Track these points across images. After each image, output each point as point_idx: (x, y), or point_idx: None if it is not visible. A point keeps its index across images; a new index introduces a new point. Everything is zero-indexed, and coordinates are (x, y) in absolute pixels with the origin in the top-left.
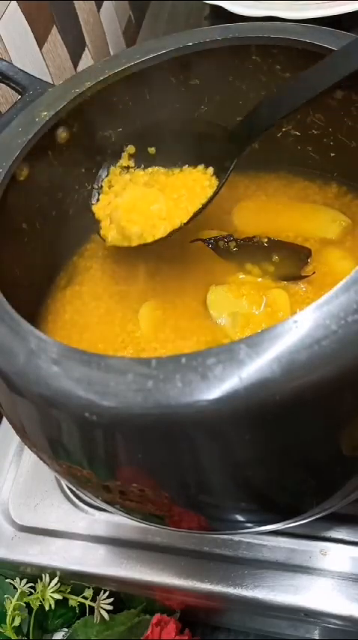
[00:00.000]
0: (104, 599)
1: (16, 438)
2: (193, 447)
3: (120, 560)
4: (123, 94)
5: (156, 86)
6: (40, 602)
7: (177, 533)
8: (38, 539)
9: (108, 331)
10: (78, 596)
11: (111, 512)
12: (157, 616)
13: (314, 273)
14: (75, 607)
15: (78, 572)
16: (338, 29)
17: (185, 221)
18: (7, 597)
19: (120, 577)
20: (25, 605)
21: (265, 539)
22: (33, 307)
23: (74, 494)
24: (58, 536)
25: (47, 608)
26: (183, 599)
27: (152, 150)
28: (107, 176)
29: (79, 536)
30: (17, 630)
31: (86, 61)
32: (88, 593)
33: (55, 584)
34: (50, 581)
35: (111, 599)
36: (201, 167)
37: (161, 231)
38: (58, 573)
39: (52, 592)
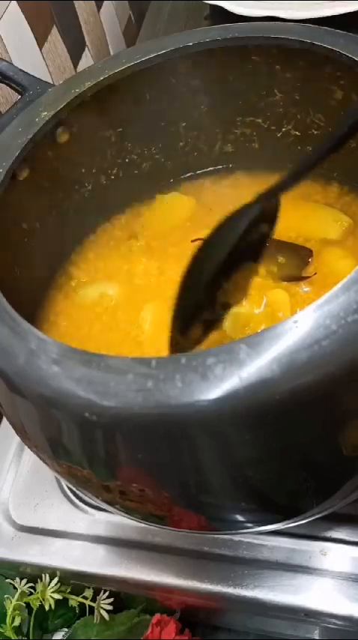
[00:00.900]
0: (104, 599)
1: (16, 438)
2: (193, 447)
3: (120, 560)
4: (123, 94)
5: (156, 86)
6: (40, 602)
7: (177, 533)
8: (38, 539)
9: (108, 331)
10: (78, 596)
11: (111, 512)
12: (157, 616)
13: (315, 274)
14: (75, 607)
15: (78, 572)
16: (338, 29)
17: None
18: (7, 597)
19: (120, 577)
20: (25, 605)
21: (265, 539)
22: (33, 307)
23: (74, 494)
24: (58, 536)
25: (47, 608)
26: (183, 599)
27: None
28: None
29: (79, 536)
30: (17, 630)
31: (86, 61)
32: (88, 593)
33: (55, 584)
34: (50, 581)
35: (111, 599)
36: None
37: None
38: (58, 573)
39: (52, 592)
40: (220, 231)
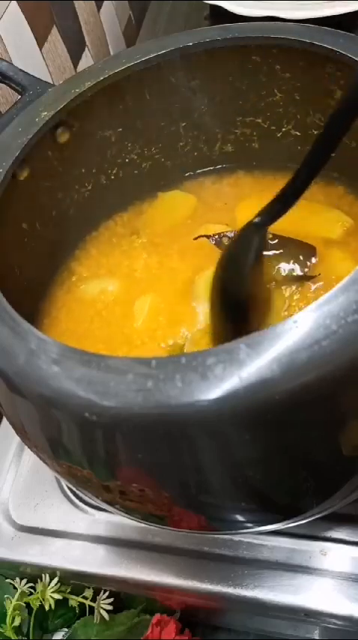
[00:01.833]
0: (104, 599)
1: (16, 438)
2: (193, 446)
3: (120, 560)
4: (123, 94)
5: (156, 86)
6: (40, 602)
7: (177, 533)
8: (38, 539)
9: (107, 330)
10: (78, 596)
11: (111, 512)
12: (157, 616)
13: (319, 274)
14: (75, 607)
15: (78, 572)
16: (338, 29)
17: None
18: (7, 597)
19: (120, 577)
20: (25, 605)
21: (265, 539)
22: (33, 307)
23: (74, 494)
24: (58, 536)
25: (47, 608)
26: (183, 599)
27: None
28: None
29: (79, 536)
30: (17, 630)
31: (86, 61)
32: (88, 593)
33: (55, 584)
34: (50, 581)
35: (111, 599)
36: None
37: None
38: (58, 573)
39: (52, 592)
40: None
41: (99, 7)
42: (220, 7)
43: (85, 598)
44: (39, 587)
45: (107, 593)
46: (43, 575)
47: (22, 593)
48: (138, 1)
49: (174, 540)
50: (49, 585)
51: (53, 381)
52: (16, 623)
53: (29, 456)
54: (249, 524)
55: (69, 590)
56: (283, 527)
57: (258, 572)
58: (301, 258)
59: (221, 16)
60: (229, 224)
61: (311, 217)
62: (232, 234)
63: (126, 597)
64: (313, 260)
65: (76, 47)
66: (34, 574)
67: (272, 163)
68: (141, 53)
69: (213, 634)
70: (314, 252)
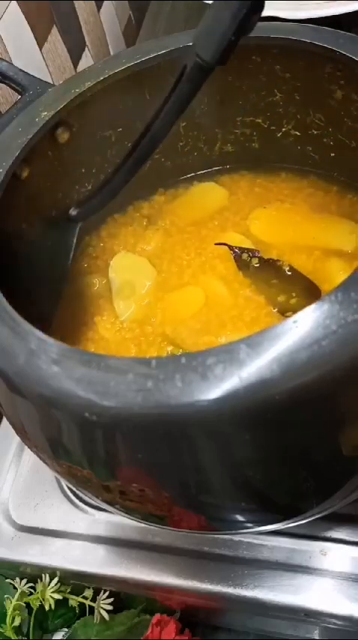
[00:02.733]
0: (104, 599)
1: (16, 438)
2: (193, 446)
3: (120, 560)
4: (123, 94)
5: (157, 86)
6: (40, 602)
7: (177, 533)
8: (38, 539)
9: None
10: (78, 596)
11: (111, 512)
12: (157, 616)
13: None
14: (75, 607)
15: (78, 572)
16: (338, 29)
17: None
18: (7, 597)
19: (120, 577)
20: (25, 605)
21: (265, 539)
22: (33, 307)
23: (74, 494)
24: (58, 536)
25: (47, 608)
26: (183, 599)
27: None
28: None
29: (79, 536)
30: (17, 630)
31: (86, 61)
32: (88, 593)
33: (55, 584)
34: (50, 581)
35: (111, 599)
36: None
37: None
38: (58, 573)
39: (52, 592)
40: None
41: (99, 7)
42: None
43: (85, 598)
44: (39, 587)
45: (107, 593)
46: (43, 575)
47: (22, 593)
48: (138, 1)
49: (174, 540)
50: (49, 585)
51: (53, 381)
52: (16, 623)
53: (29, 456)
54: (249, 524)
55: (69, 590)
56: (283, 527)
57: (258, 572)
58: (307, 297)
59: None
60: (242, 232)
61: (327, 228)
62: (254, 254)
63: (126, 597)
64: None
65: (76, 47)
66: (34, 574)
67: (272, 163)
68: (141, 53)
69: (213, 634)
70: (319, 295)
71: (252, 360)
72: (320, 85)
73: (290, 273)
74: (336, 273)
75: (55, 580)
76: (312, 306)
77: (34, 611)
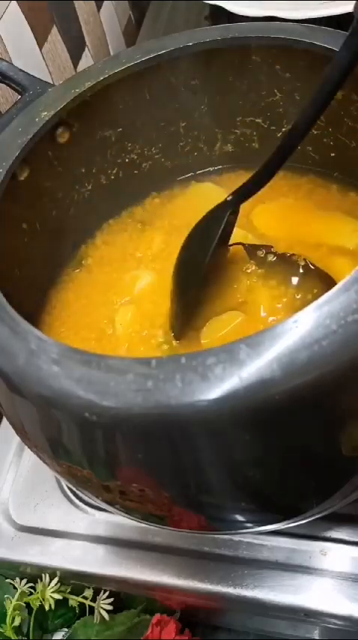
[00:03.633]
0: (104, 599)
1: (16, 438)
2: (193, 447)
3: (120, 560)
4: (123, 94)
5: (156, 86)
6: (40, 602)
7: (177, 533)
8: (38, 539)
9: (104, 330)
10: (78, 596)
11: (111, 512)
12: (157, 616)
13: None
14: (75, 607)
15: (78, 572)
16: (338, 29)
17: None
18: (7, 597)
19: (120, 577)
20: (25, 605)
21: (265, 539)
22: (33, 307)
23: (74, 494)
24: (58, 536)
25: (47, 608)
26: (183, 599)
27: None
28: None
29: (79, 536)
30: (17, 630)
31: (86, 61)
32: (88, 593)
33: (55, 584)
34: (50, 581)
35: (111, 599)
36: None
37: None
38: (58, 573)
39: (52, 592)
40: (201, 228)
41: (99, 7)
42: (220, 7)
43: (85, 598)
44: (39, 587)
45: (107, 593)
46: (43, 575)
47: (22, 593)
48: (138, 1)
49: (174, 540)
50: (49, 585)
51: (53, 381)
52: (16, 623)
53: (29, 456)
54: (249, 524)
55: (69, 590)
56: (283, 527)
57: (258, 572)
58: (316, 290)
59: (221, 16)
60: (245, 228)
61: (328, 227)
62: (269, 249)
63: (126, 597)
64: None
65: (76, 47)
66: (34, 574)
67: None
68: (141, 53)
69: (213, 634)
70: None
71: (252, 360)
72: None
73: (305, 267)
74: (339, 271)
75: (55, 580)
76: (312, 306)
77: (34, 611)
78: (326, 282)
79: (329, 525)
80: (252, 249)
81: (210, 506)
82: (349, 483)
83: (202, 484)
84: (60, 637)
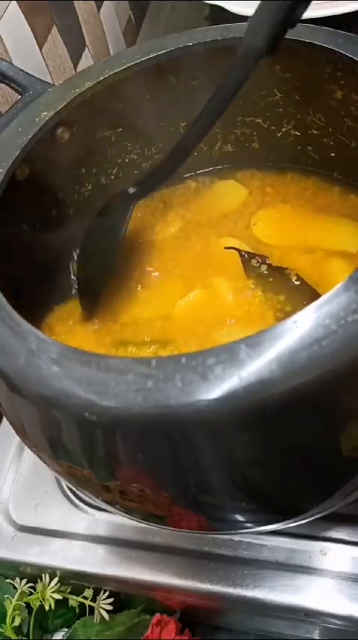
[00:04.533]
0: (104, 599)
1: (16, 438)
2: (193, 446)
3: (120, 560)
4: (123, 94)
5: (156, 86)
6: (40, 602)
7: (177, 533)
8: (38, 539)
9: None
10: (78, 596)
11: (111, 512)
12: (157, 616)
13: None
14: (75, 607)
15: (78, 572)
16: (338, 29)
17: None
18: (7, 597)
19: (120, 577)
20: (25, 605)
21: (265, 539)
22: (33, 307)
23: (74, 494)
24: (58, 536)
25: (47, 608)
26: (183, 599)
27: None
28: None
29: (79, 536)
30: (17, 630)
31: (86, 61)
32: (88, 593)
33: (55, 584)
34: (50, 581)
35: (111, 599)
36: None
37: None
38: (58, 573)
39: (52, 592)
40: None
41: (99, 7)
42: (220, 7)
43: (85, 598)
44: (39, 587)
45: (107, 593)
46: (43, 575)
47: (22, 593)
48: (138, 1)
49: (174, 540)
50: (49, 585)
51: (53, 381)
52: (16, 623)
53: (29, 456)
54: (249, 524)
55: (69, 590)
56: (283, 527)
57: (258, 572)
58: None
59: (221, 16)
60: (244, 234)
61: (331, 230)
62: (264, 259)
63: (126, 597)
64: None
65: (76, 47)
66: (34, 574)
67: (272, 163)
68: (141, 53)
69: (213, 634)
70: None
71: (252, 360)
72: (320, 85)
73: (297, 283)
74: (340, 274)
75: (55, 580)
76: (312, 306)
77: (34, 611)
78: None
79: (329, 525)
80: (247, 257)
81: (210, 506)
82: (349, 483)
83: (202, 484)
84: (60, 637)
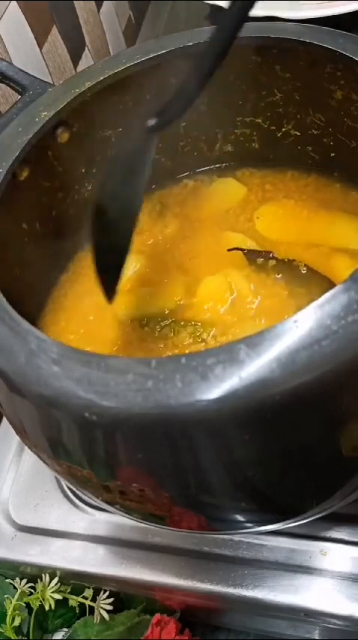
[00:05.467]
0: (104, 599)
1: (16, 438)
2: (193, 446)
3: (120, 560)
4: (123, 94)
5: (156, 86)
6: (40, 602)
7: (177, 533)
8: (38, 539)
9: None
10: (78, 596)
11: (111, 512)
12: (157, 616)
13: None
14: (75, 607)
15: (78, 572)
16: (338, 29)
17: None
18: (7, 597)
19: (120, 577)
20: (25, 605)
21: (265, 539)
22: (33, 307)
23: (74, 494)
24: (58, 536)
25: (47, 608)
26: (183, 599)
27: None
28: None
29: (79, 536)
30: (17, 630)
31: (86, 61)
32: (88, 593)
33: (55, 584)
34: (50, 581)
35: (111, 599)
36: None
37: None
38: (58, 573)
39: (52, 592)
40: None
41: (99, 7)
42: (220, 7)
43: (85, 598)
44: (39, 587)
45: (107, 593)
46: (43, 575)
47: (22, 593)
48: (138, 1)
49: (174, 540)
50: (49, 585)
51: (53, 381)
52: (16, 623)
53: (29, 456)
54: (249, 524)
55: (69, 590)
56: (283, 527)
57: (258, 572)
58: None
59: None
60: (248, 230)
61: (331, 227)
62: (268, 255)
63: (126, 597)
64: None
65: (76, 47)
66: (34, 574)
67: (272, 163)
68: (141, 53)
69: (213, 634)
70: None
71: (252, 360)
72: (320, 85)
73: (306, 272)
74: (343, 271)
75: (55, 580)
76: (312, 306)
77: (34, 611)
78: (327, 286)
79: (329, 525)
80: (251, 255)
81: (209, 506)
82: (349, 483)
83: (202, 484)
84: (60, 637)
